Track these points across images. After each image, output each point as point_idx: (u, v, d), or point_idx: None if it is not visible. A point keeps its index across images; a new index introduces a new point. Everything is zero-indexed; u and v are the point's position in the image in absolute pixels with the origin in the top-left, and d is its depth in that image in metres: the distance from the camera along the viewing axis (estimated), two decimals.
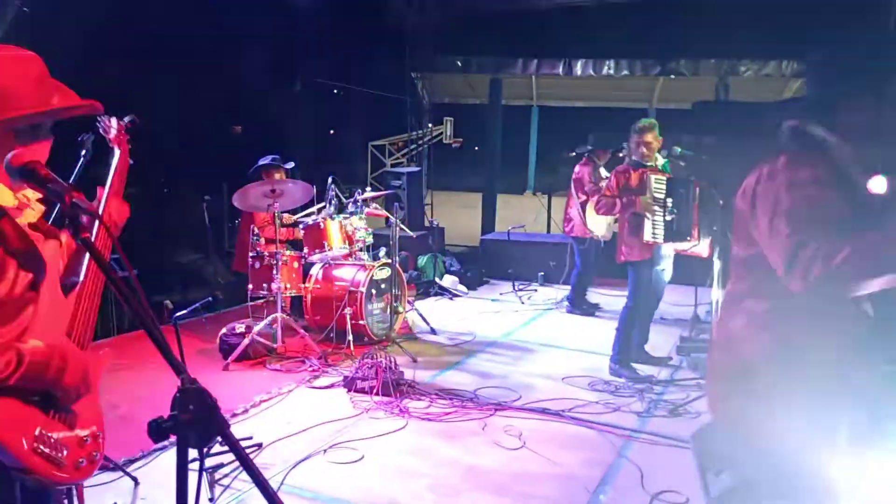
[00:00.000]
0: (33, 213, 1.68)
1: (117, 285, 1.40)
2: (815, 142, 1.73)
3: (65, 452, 1.60)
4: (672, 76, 13.40)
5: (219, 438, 1.39)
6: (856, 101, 1.70)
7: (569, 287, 7.00)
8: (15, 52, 1.61)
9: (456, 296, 7.54)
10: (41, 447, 1.55)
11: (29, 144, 1.61)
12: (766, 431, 1.80)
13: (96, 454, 1.71)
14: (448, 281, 7.72)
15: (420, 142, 11.05)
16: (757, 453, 1.88)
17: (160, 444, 3.47)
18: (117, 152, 2.09)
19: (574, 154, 6.96)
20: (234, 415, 4.06)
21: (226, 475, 3.27)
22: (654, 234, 4.66)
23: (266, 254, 5.16)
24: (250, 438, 3.68)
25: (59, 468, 1.59)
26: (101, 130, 2.12)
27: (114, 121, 2.11)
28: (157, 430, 1.33)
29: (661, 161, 4.87)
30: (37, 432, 1.55)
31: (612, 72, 12.18)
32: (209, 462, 3.26)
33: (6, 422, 1.51)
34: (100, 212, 1.91)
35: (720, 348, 1.95)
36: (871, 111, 1.69)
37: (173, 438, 1.33)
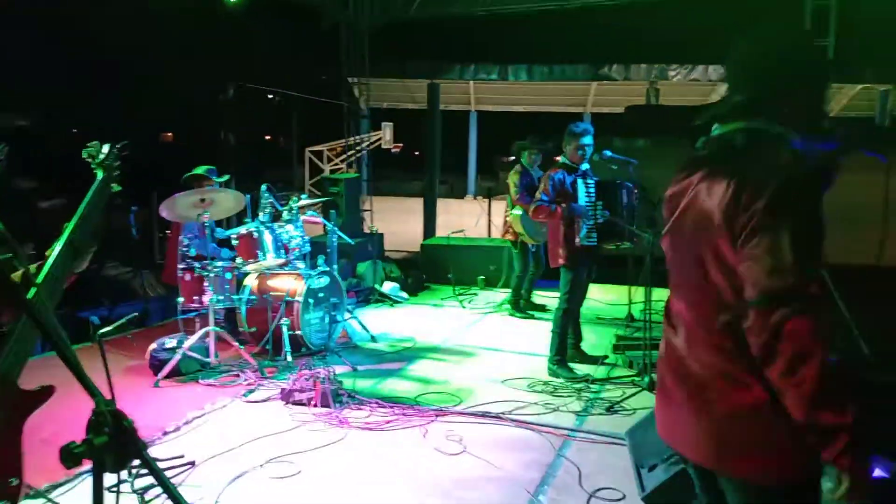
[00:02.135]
0: None
1: (27, 307, 1.34)
2: (780, 142, 1.62)
3: None
4: (605, 81, 13.78)
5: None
6: (795, 90, 1.65)
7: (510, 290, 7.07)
8: None
9: (396, 302, 7.50)
10: None
11: None
12: None
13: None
14: (388, 287, 7.68)
15: (358, 147, 10.96)
16: None
17: (84, 469, 3.32)
18: (99, 176, 1.98)
19: (513, 159, 7.05)
20: (166, 433, 3.92)
21: (157, 496, 3.14)
22: (587, 237, 4.75)
23: (197, 265, 5.01)
24: (182, 457, 3.55)
25: None
26: (86, 156, 2.01)
27: (105, 147, 2.01)
28: (70, 456, 1.27)
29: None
30: None
31: (546, 77, 12.42)
32: (140, 483, 3.14)
33: None
34: (68, 234, 1.79)
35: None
36: (808, 99, 1.66)
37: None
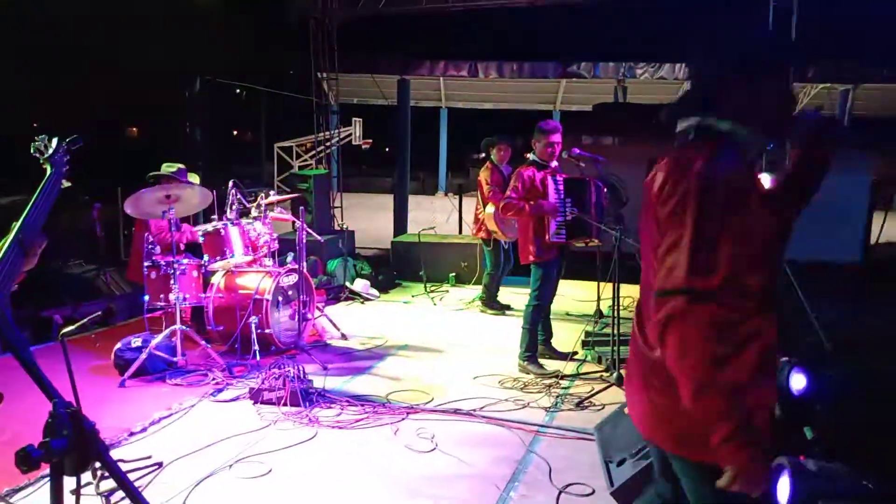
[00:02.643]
0: None
1: None
2: (725, 137, 1.64)
3: None
4: (573, 79, 13.88)
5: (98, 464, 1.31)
6: (733, 80, 1.66)
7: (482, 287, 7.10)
8: None
9: (367, 300, 7.47)
10: None
11: None
12: None
13: None
14: (359, 285, 7.64)
15: (328, 143, 10.87)
16: None
17: (47, 471, 3.24)
18: (48, 172, 1.88)
19: (483, 157, 7.06)
20: (132, 433, 3.84)
21: (123, 498, 3.09)
22: (557, 234, 4.79)
23: (162, 263, 4.92)
24: (149, 458, 3.49)
25: None
26: (33, 151, 1.92)
27: (54, 141, 1.92)
28: (26, 459, 1.24)
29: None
30: None
31: (515, 74, 12.46)
32: (105, 485, 3.07)
33: None
34: (15, 232, 1.71)
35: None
36: (748, 89, 1.66)
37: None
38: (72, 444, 1.25)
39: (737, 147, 1.63)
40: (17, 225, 1.80)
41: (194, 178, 5.74)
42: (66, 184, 1.95)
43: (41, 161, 1.93)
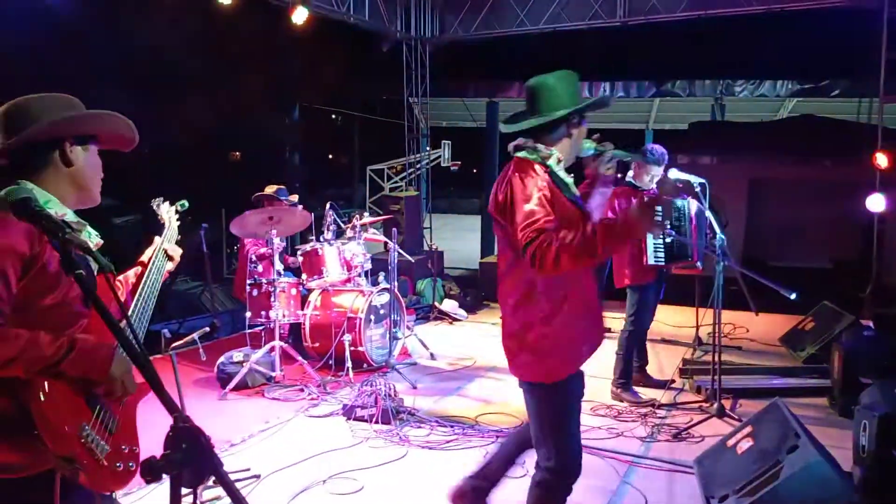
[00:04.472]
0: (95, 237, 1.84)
1: (111, 323, 1.40)
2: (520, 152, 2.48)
3: (105, 452, 1.67)
4: (667, 97, 13.51)
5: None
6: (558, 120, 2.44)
7: None
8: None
9: (456, 320, 7.49)
10: (85, 437, 1.62)
11: None
12: None
13: (132, 465, 1.77)
14: (448, 305, 7.69)
15: (418, 166, 11.07)
16: None
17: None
18: (168, 226, 2.26)
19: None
20: (233, 445, 4.01)
21: None
22: (655, 256, 4.64)
23: (264, 281, 5.13)
24: (248, 470, 3.62)
25: (99, 464, 1.64)
26: (154, 206, 2.32)
27: (165, 204, 2.31)
28: (151, 470, 1.31)
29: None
30: (82, 424, 1.63)
31: (607, 94, 12.26)
32: (207, 494, 3.21)
33: (58, 407, 1.58)
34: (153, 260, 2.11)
35: None
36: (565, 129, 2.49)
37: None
38: (191, 457, 1.31)
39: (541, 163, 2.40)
40: (159, 242, 2.18)
41: (293, 198, 5.99)
42: (177, 236, 2.26)
43: (158, 216, 2.30)
